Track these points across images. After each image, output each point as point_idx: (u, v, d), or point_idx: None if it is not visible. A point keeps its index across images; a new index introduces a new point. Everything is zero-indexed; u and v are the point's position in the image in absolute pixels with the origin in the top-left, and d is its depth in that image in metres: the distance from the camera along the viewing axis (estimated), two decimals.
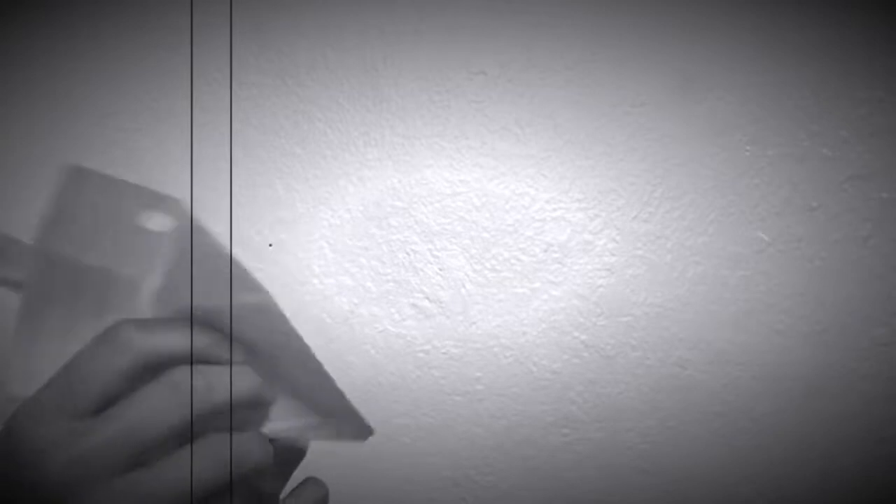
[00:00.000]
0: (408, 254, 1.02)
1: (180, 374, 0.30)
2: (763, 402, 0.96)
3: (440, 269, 1.01)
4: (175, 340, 0.31)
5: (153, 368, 0.30)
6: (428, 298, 1.01)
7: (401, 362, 1.00)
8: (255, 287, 0.32)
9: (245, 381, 0.33)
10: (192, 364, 0.32)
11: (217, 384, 0.31)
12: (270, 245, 1.02)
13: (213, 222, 1.01)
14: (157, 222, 0.32)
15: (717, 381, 0.97)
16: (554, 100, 1.00)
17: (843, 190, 0.96)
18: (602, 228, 1.00)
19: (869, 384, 0.95)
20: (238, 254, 0.99)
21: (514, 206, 1.01)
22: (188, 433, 0.30)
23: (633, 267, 0.99)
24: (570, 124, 1.00)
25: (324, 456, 1.01)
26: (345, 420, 0.40)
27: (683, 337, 0.98)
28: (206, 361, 0.32)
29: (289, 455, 0.43)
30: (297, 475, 0.52)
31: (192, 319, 0.32)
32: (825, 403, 0.96)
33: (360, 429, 0.40)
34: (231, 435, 0.31)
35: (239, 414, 0.33)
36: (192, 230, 0.31)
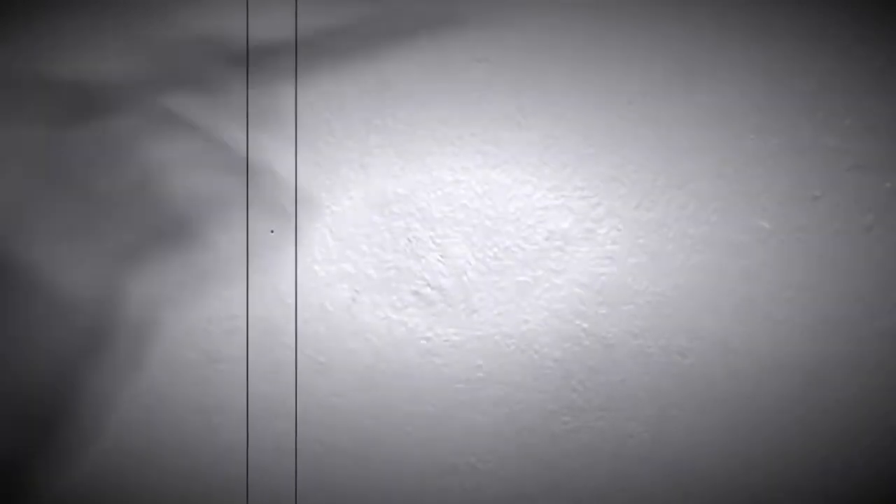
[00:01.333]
0: (409, 241, 1.01)
1: None
2: (764, 391, 0.96)
3: (442, 257, 1.01)
4: None
5: None
6: (430, 286, 1.01)
7: (402, 350, 1.00)
8: None
9: None
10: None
11: None
12: (272, 231, 1.02)
13: (216, 211, 1.00)
14: None
15: (719, 370, 0.97)
16: (556, 88, 1.00)
17: (846, 180, 0.96)
18: (604, 217, 1.00)
19: (870, 375, 0.95)
20: (239, 240, 0.98)
21: (516, 194, 1.01)
22: None
23: (635, 256, 0.99)
24: (573, 112, 1.00)
25: (325, 444, 1.01)
26: None
27: (685, 326, 0.97)
28: None
29: None
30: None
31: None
32: (826, 394, 0.96)
33: None
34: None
35: None
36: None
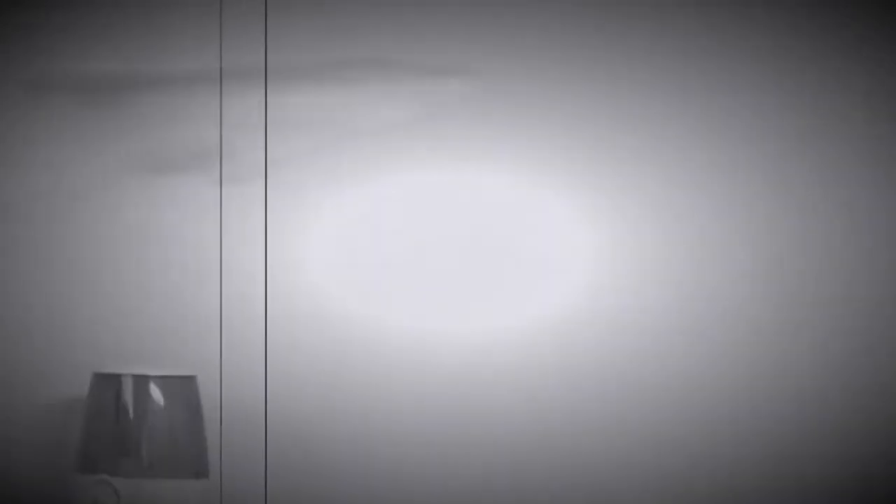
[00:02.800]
0: (406, 252, 1.01)
1: None
2: (768, 404, 0.96)
3: (439, 269, 1.01)
4: None
5: None
6: (426, 298, 1.01)
7: (397, 362, 1.00)
8: None
9: None
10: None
11: None
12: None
13: (210, 222, 1.00)
14: None
15: (721, 382, 0.96)
16: (557, 103, 1.00)
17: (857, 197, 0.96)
18: (605, 231, 0.99)
19: (873, 389, 0.95)
20: (233, 249, 0.97)
21: (516, 209, 1.00)
22: None
23: (637, 270, 0.99)
24: (573, 130, 0.99)
25: (314, 461, 1.00)
26: None
27: (686, 338, 0.97)
28: None
29: None
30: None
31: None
32: (829, 405, 0.95)
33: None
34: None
35: None
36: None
